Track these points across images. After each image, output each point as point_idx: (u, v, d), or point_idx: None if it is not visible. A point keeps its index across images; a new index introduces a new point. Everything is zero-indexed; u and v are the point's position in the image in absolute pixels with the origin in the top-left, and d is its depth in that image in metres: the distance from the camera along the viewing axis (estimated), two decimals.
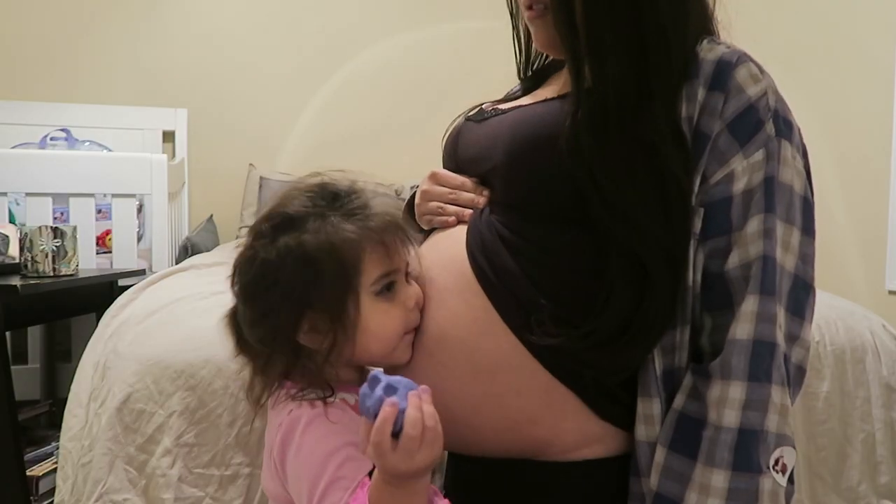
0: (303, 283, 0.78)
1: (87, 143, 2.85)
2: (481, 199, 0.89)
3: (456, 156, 0.96)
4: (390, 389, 0.68)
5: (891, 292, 2.21)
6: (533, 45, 0.97)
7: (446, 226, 0.91)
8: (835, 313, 1.52)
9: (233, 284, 0.84)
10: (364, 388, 0.69)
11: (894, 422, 1.46)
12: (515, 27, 1.00)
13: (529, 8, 0.88)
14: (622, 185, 0.78)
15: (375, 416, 0.67)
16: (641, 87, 0.80)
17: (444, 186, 0.93)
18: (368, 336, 0.81)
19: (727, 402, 0.75)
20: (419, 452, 0.68)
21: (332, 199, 0.82)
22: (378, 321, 0.82)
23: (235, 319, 0.85)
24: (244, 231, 2.38)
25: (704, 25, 0.88)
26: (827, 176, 2.39)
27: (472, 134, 0.94)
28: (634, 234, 0.78)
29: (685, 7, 0.83)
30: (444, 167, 0.98)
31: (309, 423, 0.78)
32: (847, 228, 2.39)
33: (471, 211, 0.89)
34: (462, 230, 0.88)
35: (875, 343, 1.49)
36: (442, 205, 0.92)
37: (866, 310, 1.66)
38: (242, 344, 0.85)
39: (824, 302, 1.58)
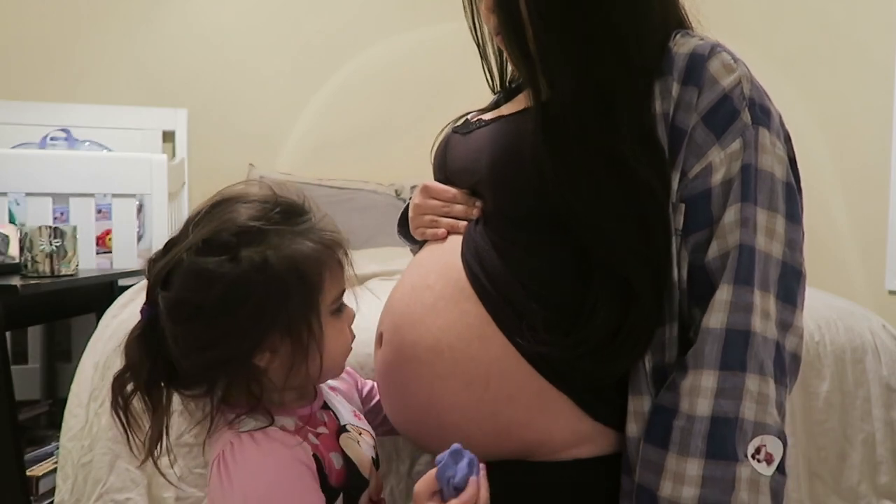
0: (273, 302, 0.74)
1: (87, 143, 2.85)
2: (475, 211, 0.90)
3: (445, 167, 0.97)
4: (472, 465, 0.73)
5: (891, 292, 2.21)
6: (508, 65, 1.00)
7: (438, 238, 0.92)
8: (835, 313, 1.52)
9: (173, 304, 0.74)
10: (444, 457, 0.73)
11: (894, 422, 1.45)
12: (484, 57, 1.01)
13: (498, 34, 0.89)
14: (589, 200, 0.78)
15: (455, 487, 0.72)
16: (601, 98, 0.79)
17: (437, 200, 0.93)
18: (327, 356, 0.79)
19: (699, 391, 0.75)
20: None
21: (286, 213, 0.78)
22: (336, 340, 0.81)
23: (149, 342, 0.77)
24: None
25: (676, 19, 0.87)
26: (827, 176, 2.39)
27: (460, 146, 0.95)
28: (609, 250, 0.78)
29: (645, 8, 0.82)
30: (435, 178, 0.99)
31: (244, 462, 0.75)
32: (847, 228, 2.38)
33: (465, 223, 0.90)
34: (457, 239, 0.89)
35: (875, 343, 1.49)
36: (436, 218, 0.93)
37: (866, 310, 1.65)
38: (159, 368, 0.77)
39: (824, 302, 1.58)
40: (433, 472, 0.73)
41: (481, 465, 0.75)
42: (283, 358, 0.77)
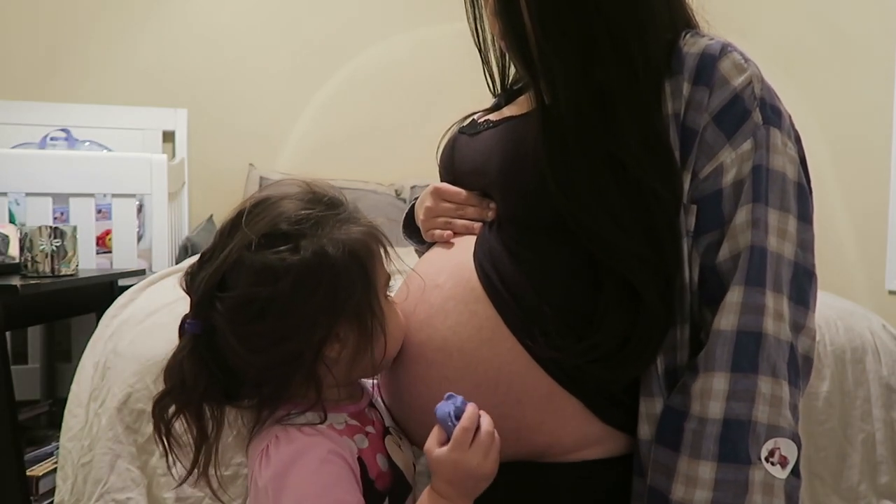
0: (340, 288, 0.74)
1: (87, 143, 2.85)
2: (490, 213, 0.89)
3: (453, 168, 0.96)
4: (464, 402, 0.76)
5: (891, 292, 2.21)
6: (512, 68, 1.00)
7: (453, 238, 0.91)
8: (835, 313, 1.52)
9: (238, 304, 0.73)
10: (440, 405, 0.75)
11: (894, 422, 1.45)
12: (486, 62, 1.00)
13: (502, 39, 0.89)
14: (590, 205, 0.78)
15: (457, 417, 0.74)
16: (603, 103, 0.79)
17: (449, 202, 0.93)
18: (389, 337, 0.80)
19: (711, 394, 0.75)
20: (489, 454, 0.73)
21: (328, 205, 0.79)
22: (394, 321, 0.82)
23: (202, 358, 0.75)
24: None
25: (684, 20, 0.87)
26: (827, 176, 2.39)
27: (468, 148, 0.94)
28: (612, 255, 0.78)
29: (647, 10, 0.81)
30: (441, 179, 0.98)
31: (287, 451, 0.74)
32: (847, 228, 2.38)
33: (480, 224, 0.89)
34: (470, 239, 0.88)
35: (875, 343, 1.49)
36: (450, 220, 0.92)
37: (866, 310, 1.66)
38: (212, 383, 0.75)
39: (824, 302, 1.57)
40: (435, 427, 0.75)
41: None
42: (350, 346, 0.77)
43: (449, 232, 0.91)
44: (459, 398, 0.75)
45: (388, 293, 0.83)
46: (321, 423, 0.76)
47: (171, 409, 0.77)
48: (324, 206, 0.78)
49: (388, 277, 0.83)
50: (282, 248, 0.73)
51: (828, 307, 1.54)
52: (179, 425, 0.79)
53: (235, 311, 0.73)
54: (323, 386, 0.77)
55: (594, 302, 0.79)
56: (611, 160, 0.78)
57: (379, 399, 0.91)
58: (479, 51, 0.99)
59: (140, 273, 2.10)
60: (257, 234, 0.74)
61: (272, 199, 0.78)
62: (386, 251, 0.82)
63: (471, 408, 0.74)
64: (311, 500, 0.72)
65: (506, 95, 1.01)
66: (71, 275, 1.80)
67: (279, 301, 0.72)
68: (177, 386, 0.76)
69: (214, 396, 0.77)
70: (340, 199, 0.81)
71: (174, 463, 0.80)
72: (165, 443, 0.78)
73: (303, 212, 0.76)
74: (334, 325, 0.76)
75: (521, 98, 0.95)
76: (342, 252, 0.75)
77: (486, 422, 0.74)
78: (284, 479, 0.73)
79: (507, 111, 0.94)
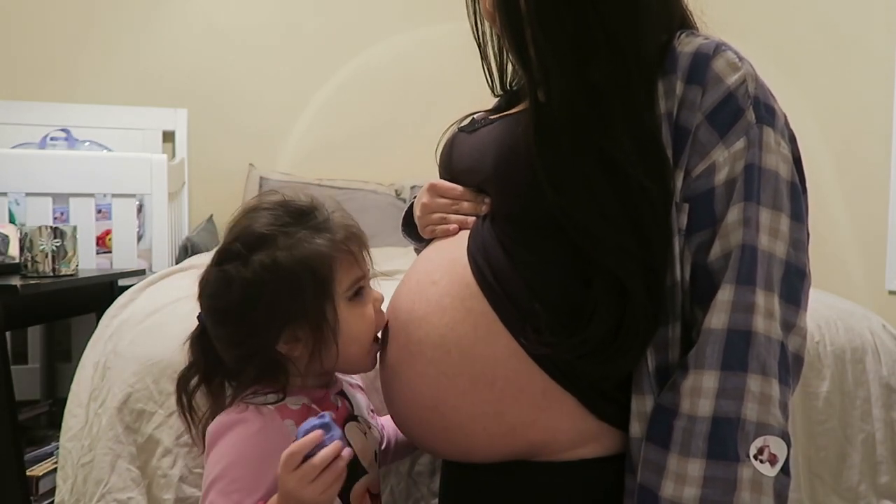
0: (285, 298, 0.82)
1: (87, 143, 2.85)
2: (484, 208, 0.89)
3: (450, 166, 0.97)
4: (327, 427, 0.78)
5: (891, 292, 2.21)
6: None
7: (448, 234, 0.92)
8: (835, 313, 1.52)
9: (208, 310, 0.86)
10: (308, 420, 0.79)
11: (894, 422, 1.45)
12: (485, 57, 1.01)
13: (500, 33, 0.90)
14: (580, 200, 0.78)
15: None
16: (596, 100, 0.79)
17: (444, 198, 0.93)
18: (347, 339, 0.86)
19: (701, 392, 0.75)
20: (310, 486, 0.75)
21: (297, 215, 0.86)
22: (354, 324, 0.87)
23: (203, 343, 0.89)
24: None
25: (680, 20, 0.87)
26: (827, 176, 2.39)
27: (465, 145, 0.95)
28: (599, 250, 0.78)
29: (644, 10, 0.81)
30: (440, 177, 0.99)
31: (224, 424, 0.84)
32: (847, 228, 2.38)
33: (473, 219, 0.90)
34: (464, 235, 0.89)
35: (875, 343, 1.49)
36: (445, 215, 0.93)
37: (866, 310, 1.65)
38: (213, 365, 0.88)
39: (824, 302, 1.58)
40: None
41: (347, 450, 0.78)
42: (307, 345, 0.85)
43: (454, 226, 0.91)
44: (315, 422, 0.77)
45: (358, 294, 0.88)
46: (274, 403, 0.84)
47: (193, 382, 0.90)
48: (292, 217, 0.85)
49: (358, 278, 0.88)
50: (235, 262, 0.83)
51: (828, 307, 1.54)
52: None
53: (206, 315, 0.87)
54: (289, 375, 0.85)
55: (584, 298, 0.79)
56: (602, 157, 0.78)
57: (351, 390, 0.96)
58: (479, 46, 1.00)
59: (140, 273, 2.11)
60: (217, 251, 0.86)
61: (246, 212, 0.87)
62: (356, 256, 0.87)
63: (310, 436, 0.76)
64: (221, 465, 0.82)
65: (507, 98, 1.01)
66: (71, 275, 1.80)
67: (231, 310, 0.83)
68: (192, 363, 0.90)
69: (214, 374, 0.89)
70: (310, 207, 0.87)
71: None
72: (187, 411, 0.90)
73: (261, 229, 0.84)
74: (286, 329, 0.83)
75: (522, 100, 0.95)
76: (292, 263, 0.82)
77: (319, 455, 0.76)
78: (215, 442, 0.84)
79: (508, 111, 0.94)
